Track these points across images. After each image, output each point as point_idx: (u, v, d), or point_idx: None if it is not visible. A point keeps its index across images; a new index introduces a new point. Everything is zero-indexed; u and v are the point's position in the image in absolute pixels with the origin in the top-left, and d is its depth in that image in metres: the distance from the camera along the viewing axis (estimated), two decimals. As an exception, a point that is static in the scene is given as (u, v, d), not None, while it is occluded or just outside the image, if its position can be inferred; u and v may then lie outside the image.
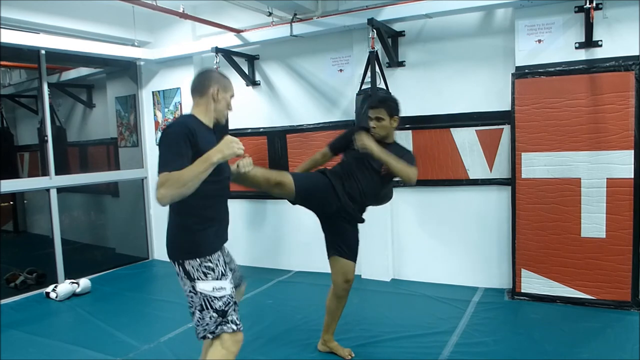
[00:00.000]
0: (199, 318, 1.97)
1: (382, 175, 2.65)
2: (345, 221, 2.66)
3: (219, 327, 1.96)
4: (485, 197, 3.80)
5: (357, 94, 3.66)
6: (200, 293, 1.95)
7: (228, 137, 1.88)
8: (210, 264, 1.98)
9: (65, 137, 5.57)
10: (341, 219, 2.64)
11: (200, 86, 2.06)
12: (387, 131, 2.66)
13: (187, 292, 2.01)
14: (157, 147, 5.17)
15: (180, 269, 1.98)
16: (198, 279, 1.96)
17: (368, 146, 2.50)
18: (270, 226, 4.77)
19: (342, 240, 2.67)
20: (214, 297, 1.96)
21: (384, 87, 3.78)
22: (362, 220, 2.74)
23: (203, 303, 1.96)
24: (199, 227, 1.98)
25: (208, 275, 1.96)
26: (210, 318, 1.95)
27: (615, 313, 3.19)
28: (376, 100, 2.69)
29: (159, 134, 1.87)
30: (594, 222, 3.27)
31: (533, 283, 3.48)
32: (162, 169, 1.80)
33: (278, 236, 4.73)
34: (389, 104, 2.66)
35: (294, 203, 2.63)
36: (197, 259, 1.96)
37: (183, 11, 3.96)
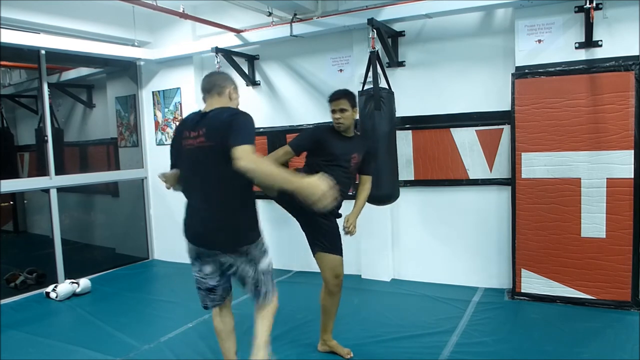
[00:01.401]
0: (266, 290, 2.20)
1: (351, 171, 2.78)
2: (324, 217, 2.69)
3: (274, 290, 2.25)
4: (485, 197, 3.80)
5: (360, 95, 3.64)
6: (261, 270, 2.16)
7: (325, 186, 1.89)
8: (264, 242, 2.21)
9: (62, 139, 5.57)
10: (319, 216, 2.66)
11: (219, 85, 2.16)
12: (351, 122, 2.75)
13: (248, 273, 2.16)
14: (159, 146, 5.18)
15: (242, 254, 2.12)
16: (260, 259, 2.17)
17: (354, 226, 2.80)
18: (270, 226, 4.75)
19: (322, 236, 2.69)
20: (269, 270, 2.22)
21: (386, 87, 3.77)
22: (340, 215, 2.80)
23: (261, 278, 2.17)
24: (256, 212, 2.19)
25: (265, 253, 2.20)
26: (271, 285, 2.23)
27: (615, 313, 3.19)
28: (339, 93, 2.77)
29: (230, 119, 2.07)
30: (594, 222, 3.27)
31: (533, 283, 3.48)
32: (250, 142, 1.93)
33: (278, 236, 4.72)
34: (351, 95, 2.77)
35: (278, 199, 2.70)
36: (259, 239, 2.19)
37: (183, 11, 3.96)
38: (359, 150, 2.78)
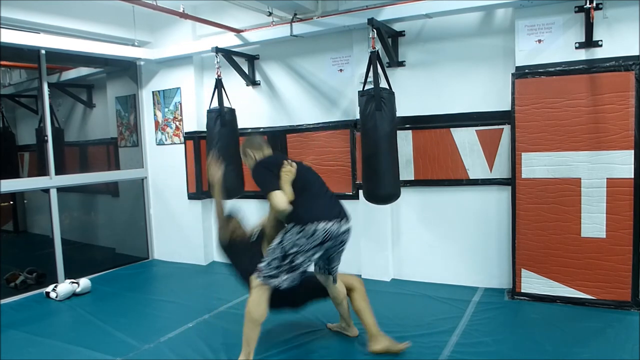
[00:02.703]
0: None
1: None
2: None
3: None
4: (485, 197, 3.80)
5: (361, 95, 3.63)
6: None
7: None
8: None
9: (62, 138, 5.57)
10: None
11: (262, 144, 3.05)
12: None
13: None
14: (159, 146, 5.18)
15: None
16: None
17: None
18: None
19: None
20: None
21: (387, 87, 3.76)
22: None
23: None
24: None
25: None
26: None
27: (615, 313, 3.19)
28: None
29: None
30: (594, 222, 3.27)
31: (533, 283, 3.48)
32: None
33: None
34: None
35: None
36: None
37: (183, 11, 3.96)
38: None
